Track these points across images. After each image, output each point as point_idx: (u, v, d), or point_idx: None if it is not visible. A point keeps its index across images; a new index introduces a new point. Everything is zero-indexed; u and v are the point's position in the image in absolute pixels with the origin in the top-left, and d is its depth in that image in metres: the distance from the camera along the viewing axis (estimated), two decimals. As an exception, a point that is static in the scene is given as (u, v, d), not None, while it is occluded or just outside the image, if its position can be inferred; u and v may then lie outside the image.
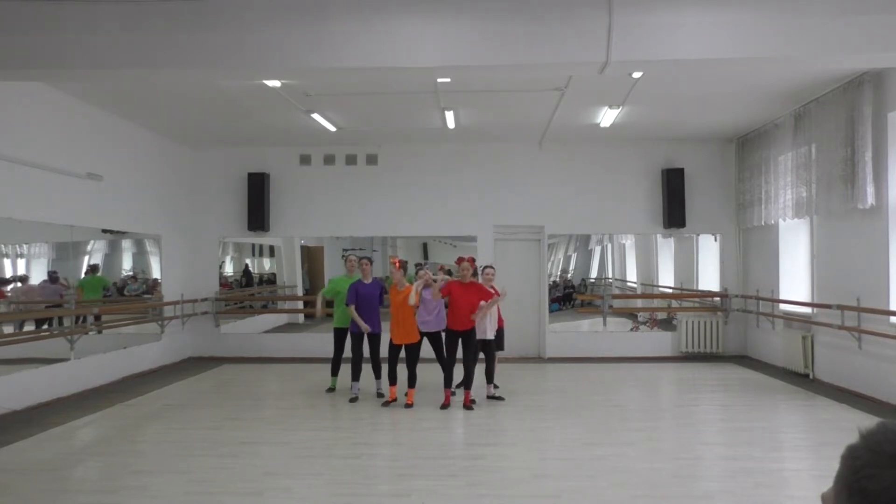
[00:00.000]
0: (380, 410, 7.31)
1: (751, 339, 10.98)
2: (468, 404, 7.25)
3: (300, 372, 9.89)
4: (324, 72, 5.78)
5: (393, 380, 7.57)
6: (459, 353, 7.39)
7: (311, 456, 5.59)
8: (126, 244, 10.71)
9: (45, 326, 8.47)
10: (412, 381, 7.46)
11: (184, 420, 6.92)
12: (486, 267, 7.79)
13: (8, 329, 7.75)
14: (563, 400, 7.84)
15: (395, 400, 7.49)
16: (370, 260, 8.02)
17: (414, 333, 7.42)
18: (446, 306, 7.44)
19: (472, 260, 7.50)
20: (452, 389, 7.57)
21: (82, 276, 9.32)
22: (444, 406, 7.27)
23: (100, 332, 9.63)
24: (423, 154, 11.51)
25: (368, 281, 7.79)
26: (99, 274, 9.92)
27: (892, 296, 7.21)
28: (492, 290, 7.41)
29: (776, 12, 5.20)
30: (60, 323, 8.43)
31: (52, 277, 8.53)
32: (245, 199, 11.51)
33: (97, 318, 9.72)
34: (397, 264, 7.63)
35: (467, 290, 7.27)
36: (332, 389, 8.27)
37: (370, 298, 7.67)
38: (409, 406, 7.34)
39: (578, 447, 5.82)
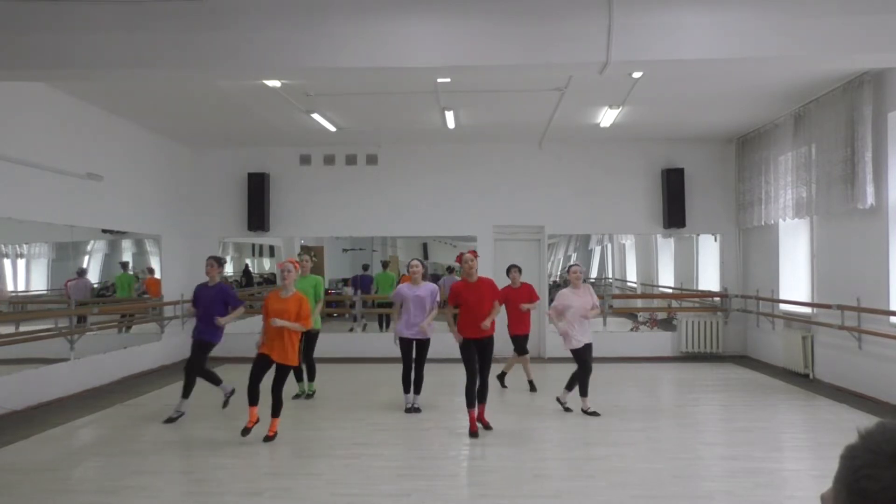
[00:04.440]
0: (380, 411, 7.29)
1: (751, 339, 10.98)
2: (486, 422, 6.37)
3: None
4: (324, 72, 5.79)
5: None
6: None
7: (311, 456, 5.59)
8: (126, 244, 10.71)
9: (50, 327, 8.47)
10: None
11: (183, 420, 6.91)
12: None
13: (8, 329, 7.75)
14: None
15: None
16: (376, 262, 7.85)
17: (292, 356, 6.02)
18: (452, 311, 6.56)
19: (475, 253, 6.52)
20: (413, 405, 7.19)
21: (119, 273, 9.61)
22: (473, 433, 6.15)
23: (129, 328, 10.03)
24: (423, 154, 11.51)
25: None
26: (130, 272, 10.15)
27: (892, 296, 7.21)
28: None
29: (776, 12, 5.20)
30: (82, 321, 8.51)
31: (81, 273, 8.68)
32: (245, 199, 11.51)
33: (123, 316, 10.11)
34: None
35: (477, 289, 6.24)
36: (313, 392, 8.03)
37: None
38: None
39: (578, 447, 5.82)
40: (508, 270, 8.29)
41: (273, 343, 5.91)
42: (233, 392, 7.02)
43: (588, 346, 6.95)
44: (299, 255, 7.89)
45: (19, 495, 4.69)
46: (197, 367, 6.82)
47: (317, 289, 7.64)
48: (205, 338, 6.81)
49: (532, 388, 8.30)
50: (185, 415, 6.92)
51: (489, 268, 10.37)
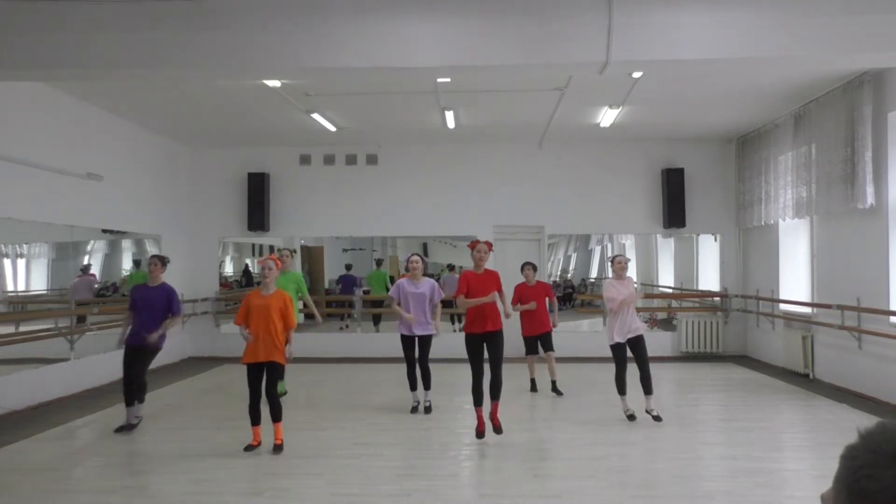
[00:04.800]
0: (380, 411, 7.28)
1: (751, 339, 10.98)
2: (497, 424, 5.85)
3: (299, 372, 9.87)
4: (324, 72, 5.79)
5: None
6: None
7: (311, 456, 5.58)
8: (126, 244, 10.72)
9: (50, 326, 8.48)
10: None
11: (184, 420, 6.92)
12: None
13: (8, 329, 7.75)
14: (563, 400, 7.84)
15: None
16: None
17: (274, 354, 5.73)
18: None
19: (490, 245, 6.07)
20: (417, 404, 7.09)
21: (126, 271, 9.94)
22: (480, 433, 5.89)
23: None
24: (424, 154, 11.51)
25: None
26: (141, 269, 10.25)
27: (892, 296, 7.21)
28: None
29: (776, 12, 5.20)
30: (82, 321, 8.52)
31: (85, 270, 8.70)
32: (245, 199, 11.52)
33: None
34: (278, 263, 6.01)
35: (484, 281, 5.85)
36: (284, 393, 7.45)
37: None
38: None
39: (578, 447, 5.82)
40: (522, 268, 8.09)
41: (258, 344, 5.62)
42: (135, 425, 6.40)
43: (624, 346, 6.68)
44: (279, 250, 7.64)
45: (19, 495, 4.69)
46: (141, 374, 6.37)
47: (299, 285, 7.49)
48: (149, 345, 6.31)
49: (533, 387, 8.23)
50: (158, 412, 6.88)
51: (489, 268, 10.37)
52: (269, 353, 5.64)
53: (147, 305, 6.32)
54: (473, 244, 6.04)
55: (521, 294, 7.93)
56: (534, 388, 8.23)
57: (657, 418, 6.47)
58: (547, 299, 8.06)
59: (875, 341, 7.43)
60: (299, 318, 13.34)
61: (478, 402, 5.91)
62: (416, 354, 7.08)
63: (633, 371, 6.70)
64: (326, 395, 8.17)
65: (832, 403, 7.39)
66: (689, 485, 4.85)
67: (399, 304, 7.03)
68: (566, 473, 5.10)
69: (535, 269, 8.16)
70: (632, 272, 15.28)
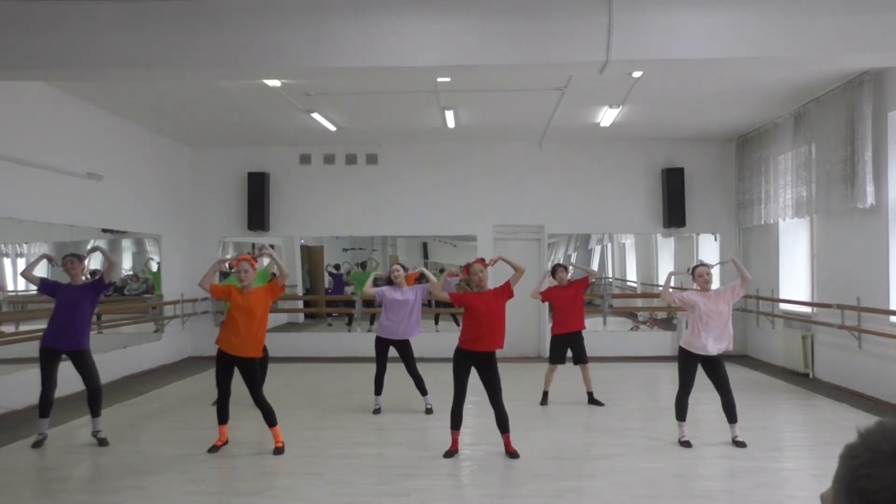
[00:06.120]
0: (380, 411, 7.28)
1: (751, 338, 10.98)
2: (513, 451, 5.49)
3: (299, 372, 9.90)
4: (324, 72, 5.79)
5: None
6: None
7: (311, 456, 5.58)
8: (126, 244, 10.72)
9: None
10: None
11: (183, 420, 6.92)
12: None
13: (8, 329, 7.75)
14: (562, 400, 7.82)
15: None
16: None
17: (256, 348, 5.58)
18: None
19: (484, 262, 5.56)
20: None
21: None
22: (450, 453, 5.51)
23: (99, 331, 9.69)
24: (424, 154, 11.51)
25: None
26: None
27: (892, 295, 7.21)
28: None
29: (776, 12, 5.20)
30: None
31: (94, 275, 8.70)
32: (245, 198, 11.52)
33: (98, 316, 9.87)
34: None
35: (488, 299, 5.40)
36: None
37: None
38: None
39: (579, 447, 5.82)
40: (554, 271, 7.48)
41: (230, 335, 5.43)
42: (43, 440, 5.94)
43: (696, 361, 5.82)
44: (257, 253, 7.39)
45: (19, 495, 4.69)
46: (91, 380, 6.02)
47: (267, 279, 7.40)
48: (78, 347, 5.97)
49: (544, 399, 7.56)
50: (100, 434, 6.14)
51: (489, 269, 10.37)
52: (244, 349, 5.47)
53: (70, 304, 5.89)
54: (466, 269, 5.51)
55: (554, 297, 7.36)
56: (545, 401, 7.59)
57: (741, 444, 5.77)
58: (584, 291, 7.52)
59: (875, 341, 7.44)
60: (299, 317, 13.50)
61: (455, 425, 5.54)
62: (403, 361, 7.08)
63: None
64: (326, 395, 8.17)
65: (832, 403, 7.40)
66: (689, 484, 4.86)
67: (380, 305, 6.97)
68: (566, 473, 5.10)
69: (566, 270, 7.58)
70: (631, 272, 15.31)
